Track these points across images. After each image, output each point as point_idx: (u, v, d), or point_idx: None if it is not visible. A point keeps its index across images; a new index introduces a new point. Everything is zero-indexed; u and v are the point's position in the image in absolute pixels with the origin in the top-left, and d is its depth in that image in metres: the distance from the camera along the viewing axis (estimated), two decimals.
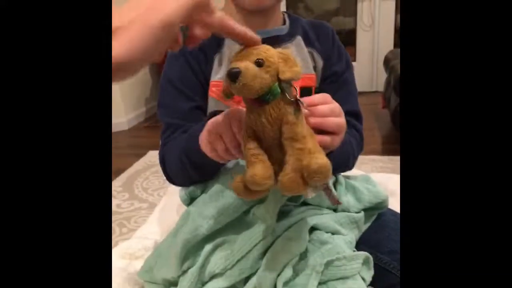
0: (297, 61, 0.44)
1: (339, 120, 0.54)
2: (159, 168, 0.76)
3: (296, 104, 0.44)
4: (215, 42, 0.71)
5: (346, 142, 0.65)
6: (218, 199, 0.62)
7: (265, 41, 0.70)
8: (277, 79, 0.43)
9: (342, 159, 0.66)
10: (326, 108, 0.52)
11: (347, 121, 0.72)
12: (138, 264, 0.73)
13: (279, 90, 0.43)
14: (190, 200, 0.69)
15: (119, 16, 0.31)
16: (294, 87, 0.46)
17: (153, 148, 2.37)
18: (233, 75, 0.40)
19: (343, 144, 0.63)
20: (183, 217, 0.67)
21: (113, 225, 1.63)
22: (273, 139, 0.45)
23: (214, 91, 0.71)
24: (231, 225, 0.61)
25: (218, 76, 0.71)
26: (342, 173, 0.73)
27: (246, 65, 0.41)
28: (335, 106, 0.54)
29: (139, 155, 2.31)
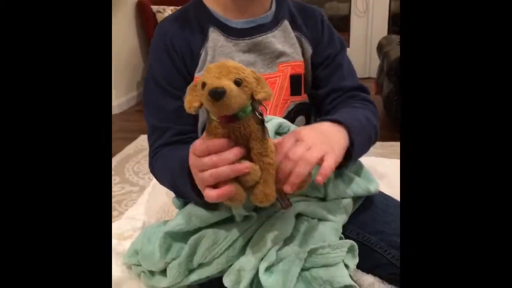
0: (266, 83, 0.47)
1: (315, 153, 0.50)
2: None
3: (263, 122, 0.47)
4: (201, 36, 0.69)
5: (365, 124, 0.64)
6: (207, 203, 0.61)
7: (251, 30, 0.70)
8: (251, 98, 0.46)
9: (365, 143, 0.65)
10: (299, 149, 0.50)
11: (355, 95, 0.73)
12: (126, 244, 0.73)
13: (250, 108, 0.46)
14: (184, 205, 0.68)
15: None
16: (264, 106, 0.48)
17: (144, 132, 2.31)
18: (218, 95, 0.42)
19: (362, 127, 0.63)
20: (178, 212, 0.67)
21: None
22: None
23: None
24: (215, 223, 0.61)
25: (202, 72, 0.68)
26: None
27: (229, 85, 0.43)
28: (306, 143, 0.51)
29: (130, 139, 2.29)
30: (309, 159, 0.49)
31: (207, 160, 0.47)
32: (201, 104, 0.46)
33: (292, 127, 0.66)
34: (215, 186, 0.47)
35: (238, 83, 0.44)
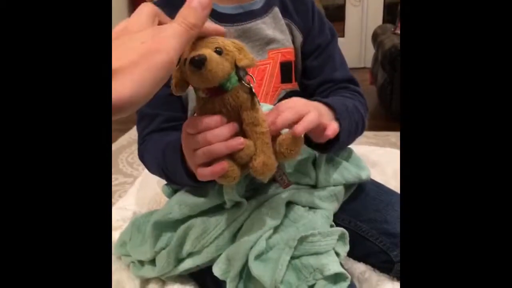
0: (248, 51, 0.46)
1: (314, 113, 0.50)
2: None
3: (252, 90, 0.46)
4: None
5: (351, 110, 0.64)
6: (197, 190, 0.61)
7: (240, 16, 0.69)
8: (234, 67, 0.44)
9: (351, 130, 0.63)
10: (295, 110, 0.50)
11: (346, 87, 0.72)
12: (116, 234, 0.73)
13: (236, 78, 0.44)
14: (174, 193, 0.67)
15: (117, 57, 0.30)
16: (250, 75, 0.46)
17: None
18: (198, 62, 0.41)
19: (349, 112, 0.62)
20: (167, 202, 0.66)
21: None
22: None
23: None
24: (205, 211, 0.60)
25: None
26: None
27: (210, 53, 0.41)
28: (301, 108, 0.51)
29: (124, 130, 2.28)
30: (314, 113, 0.49)
31: (200, 137, 0.45)
32: (187, 83, 0.45)
33: None
34: (208, 165, 0.46)
35: (219, 52, 0.42)
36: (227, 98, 0.45)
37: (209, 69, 0.41)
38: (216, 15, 0.67)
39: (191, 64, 0.41)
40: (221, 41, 0.43)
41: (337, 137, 0.57)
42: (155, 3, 0.72)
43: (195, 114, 0.48)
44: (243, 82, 0.45)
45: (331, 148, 0.59)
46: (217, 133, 0.45)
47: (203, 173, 0.46)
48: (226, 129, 0.45)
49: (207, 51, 0.41)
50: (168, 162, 0.59)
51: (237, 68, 0.44)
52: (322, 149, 0.60)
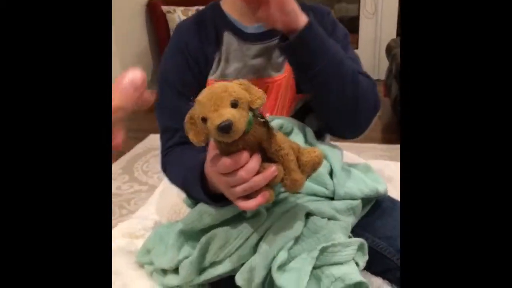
0: (254, 86, 0.47)
1: None
2: (159, 152, 0.76)
3: (266, 122, 0.48)
4: (215, 40, 0.71)
5: (340, 51, 0.65)
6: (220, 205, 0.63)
7: (262, 35, 0.71)
8: (250, 110, 0.46)
9: (336, 56, 0.64)
10: None
11: None
12: (138, 243, 0.75)
13: (253, 118, 0.47)
14: (195, 204, 0.69)
15: None
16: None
17: (154, 131, 2.37)
18: (226, 128, 0.42)
19: (335, 47, 0.64)
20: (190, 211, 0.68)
21: (113, 206, 1.65)
22: None
23: None
24: (226, 221, 0.62)
25: (215, 75, 0.70)
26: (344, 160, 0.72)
27: (232, 114, 0.43)
28: None
29: (140, 139, 2.31)
30: None
31: (237, 176, 0.48)
32: (208, 135, 0.47)
33: (296, 126, 0.67)
34: (247, 195, 0.50)
35: (235, 104, 0.44)
36: (248, 137, 0.47)
37: (235, 130, 0.43)
38: (241, 35, 0.70)
39: (218, 130, 0.43)
40: (232, 91, 0.44)
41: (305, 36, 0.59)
42: (186, 22, 0.75)
43: (216, 151, 0.50)
44: (258, 118, 0.47)
45: (296, 43, 0.60)
46: (249, 169, 0.48)
47: (249, 206, 0.50)
48: (255, 163, 0.48)
49: (227, 112, 0.43)
50: (191, 183, 0.62)
51: (251, 109, 0.46)
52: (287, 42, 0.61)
